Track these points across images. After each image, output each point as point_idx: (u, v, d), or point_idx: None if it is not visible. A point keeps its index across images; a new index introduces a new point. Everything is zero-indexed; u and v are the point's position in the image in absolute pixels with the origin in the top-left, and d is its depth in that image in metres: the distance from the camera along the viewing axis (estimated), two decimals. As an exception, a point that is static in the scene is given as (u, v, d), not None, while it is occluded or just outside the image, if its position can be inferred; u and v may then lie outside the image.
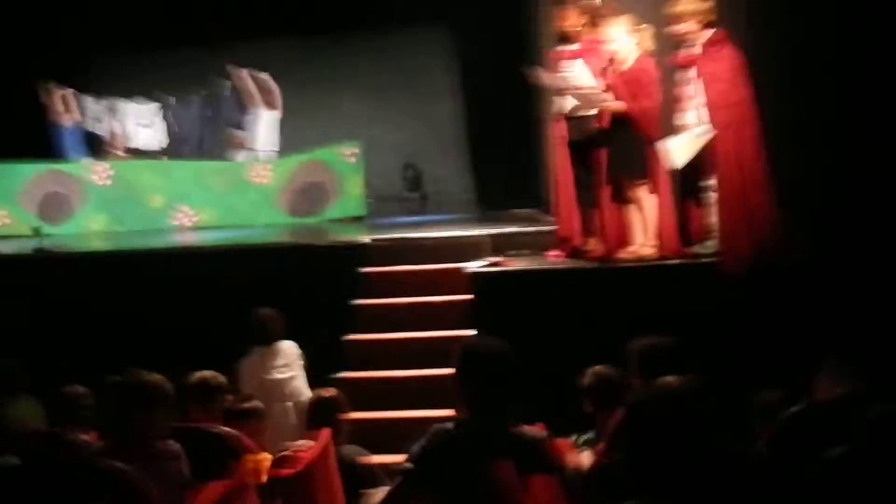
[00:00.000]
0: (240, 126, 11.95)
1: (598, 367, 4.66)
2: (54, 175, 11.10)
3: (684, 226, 6.87)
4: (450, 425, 3.33)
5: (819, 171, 6.85)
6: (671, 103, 6.83)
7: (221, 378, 5.00)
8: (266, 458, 4.65)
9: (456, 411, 3.37)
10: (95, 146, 12.13)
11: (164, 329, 7.52)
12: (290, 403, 6.02)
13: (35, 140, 11.71)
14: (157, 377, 3.96)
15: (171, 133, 12.23)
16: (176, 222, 10.85)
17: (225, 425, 4.71)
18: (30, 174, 11.04)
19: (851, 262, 6.56)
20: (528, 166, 10.05)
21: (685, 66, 6.71)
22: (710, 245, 6.68)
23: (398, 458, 3.55)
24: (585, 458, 4.28)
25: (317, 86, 13.58)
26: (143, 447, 3.81)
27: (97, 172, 11.09)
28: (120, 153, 11.95)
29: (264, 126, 11.56)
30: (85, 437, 4.22)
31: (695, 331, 5.17)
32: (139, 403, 3.84)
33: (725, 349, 6.07)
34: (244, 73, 11.69)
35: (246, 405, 5.07)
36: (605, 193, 6.95)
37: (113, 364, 4.36)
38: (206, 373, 4.98)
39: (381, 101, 13.89)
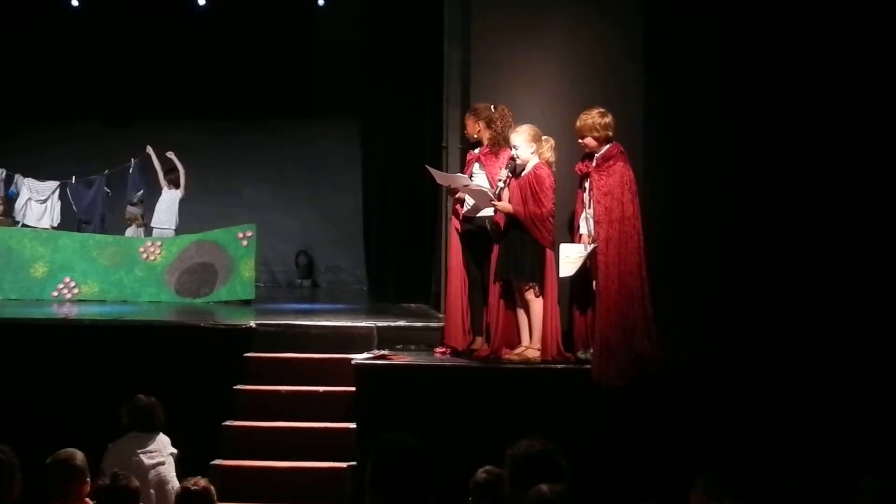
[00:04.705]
0: (134, 202, 11.79)
1: (488, 467, 4.63)
2: (-69, 238, 10.73)
3: (570, 331, 6.97)
4: None
5: (698, 285, 7.13)
6: (572, 211, 7.00)
7: (82, 458, 4.78)
8: None
9: None
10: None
11: (32, 404, 7.25)
12: (152, 491, 5.79)
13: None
14: (1, 451, 3.78)
15: (68, 213, 11.95)
16: (57, 293, 10.53)
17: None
18: None
19: (730, 375, 6.75)
20: (422, 262, 10.10)
21: (582, 176, 6.90)
22: (592, 352, 6.78)
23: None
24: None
25: (220, 168, 13.58)
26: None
27: (-23, 236, 10.75)
28: (4, 220, 11.63)
29: (164, 204, 11.41)
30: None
31: (572, 437, 5.19)
32: None
33: (601, 458, 6.12)
34: (150, 150, 11.58)
35: (125, 482, 4.83)
36: (495, 293, 7.02)
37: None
38: (68, 451, 4.75)
39: (283, 187, 13.96)
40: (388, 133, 11.30)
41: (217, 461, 6.64)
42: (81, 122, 13.68)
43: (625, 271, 6.59)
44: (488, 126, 7.24)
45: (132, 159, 11.81)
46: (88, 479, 4.76)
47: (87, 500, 4.76)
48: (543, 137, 7.01)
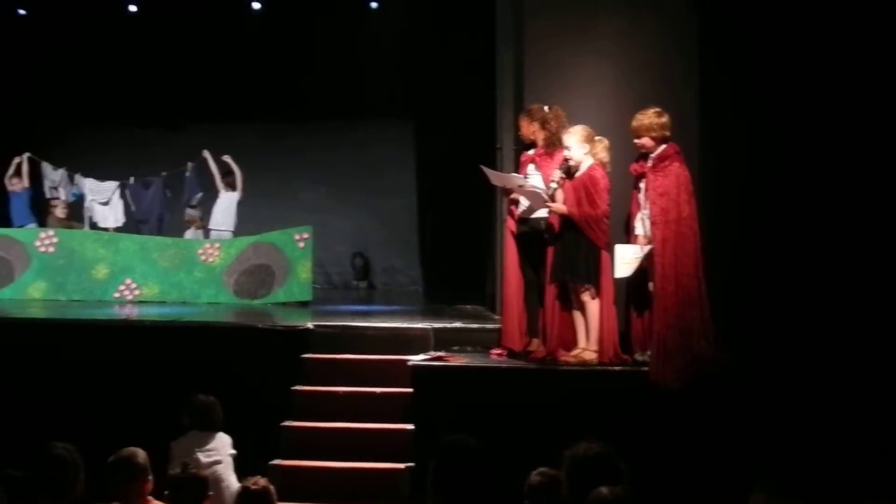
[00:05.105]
0: (194, 205, 11.94)
1: (544, 469, 4.63)
2: (-4, 240, 10.99)
3: (627, 332, 6.94)
4: None
5: (755, 288, 7.06)
6: (628, 212, 6.96)
7: (144, 457, 4.87)
8: None
9: None
10: (44, 213, 12.05)
11: (95, 403, 7.39)
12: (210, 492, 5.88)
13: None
14: (65, 449, 3.87)
15: (129, 212, 12.18)
16: (118, 295, 10.73)
17: (168, 496, 4.63)
18: (-28, 238, 10.93)
19: (787, 379, 6.67)
20: (477, 263, 10.11)
21: (638, 177, 6.86)
22: (650, 354, 6.74)
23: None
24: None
25: (275, 170, 13.70)
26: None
27: (41, 239, 10.97)
28: (69, 222, 11.86)
29: (222, 206, 11.54)
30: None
31: (629, 439, 5.17)
32: (47, 476, 3.74)
33: (659, 461, 6.07)
34: (206, 154, 11.72)
35: (194, 472, 4.93)
36: (550, 295, 7.01)
37: (39, 436, 4.27)
38: (131, 450, 4.85)
39: (337, 189, 14.04)
40: (441, 135, 11.36)
41: (276, 461, 6.71)
42: (139, 127, 13.90)
43: (682, 272, 6.53)
44: (542, 127, 7.23)
45: (189, 163, 11.98)
46: (150, 478, 4.85)
47: (150, 498, 4.85)
48: (597, 138, 6.98)
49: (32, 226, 11.73)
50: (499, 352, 7.39)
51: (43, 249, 10.90)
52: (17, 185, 11.95)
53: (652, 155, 6.73)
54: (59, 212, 11.92)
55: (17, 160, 11.98)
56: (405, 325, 8.22)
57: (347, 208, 13.98)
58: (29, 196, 12.03)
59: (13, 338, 8.11)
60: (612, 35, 7.58)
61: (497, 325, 7.72)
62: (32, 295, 10.75)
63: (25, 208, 11.97)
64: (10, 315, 9.37)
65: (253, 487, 4.70)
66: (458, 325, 8.20)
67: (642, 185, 6.81)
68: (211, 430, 6.09)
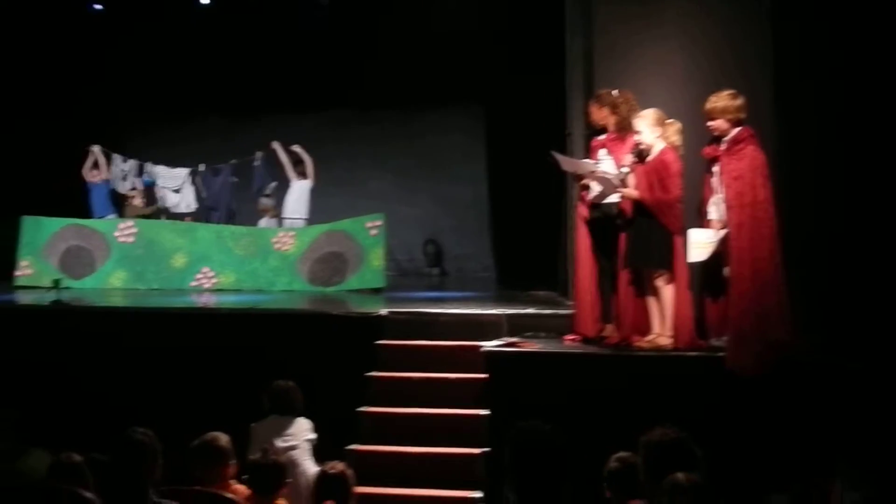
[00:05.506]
0: (268, 194, 12.10)
1: (622, 454, 4.63)
2: (79, 230, 11.28)
3: (703, 318, 6.87)
4: None
5: (834, 270, 6.91)
6: (701, 196, 6.90)
7: (227, 441, 4.99)
8: None
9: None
10: (121, 204, 12.33)
11: (175, 389, 7.56)
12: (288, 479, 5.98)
13: (73, 197, 12.06)
14: (145, 434, 3.98)
15: (199, 199, 12.41)
16: (196, 283, 10.94)
17: (247, 480, 4.77)
18: (57, 228, 11.22)
19: (867, 364, 6.54)
20: (549, 249, 10.09)
21: (711, 160, 6.78)
22: (726, 339, 6.66)
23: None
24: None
25: (344, 159, 13.81)
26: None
27: (121, 230, 11.23)
28: (144, 209, 12.12)
29: (294, 195, 11.67)
30: (88, 495, 4.21)
31: (705, 426, 5.13)
32: (128, 460, 3.86)
33: (735, 447, 6.02)
34: (276, 146, 11.86)
35: (274, 458, 5.04)
36: (624, 280, 6.98)
37: (120, 422, 4.39)
38: (213, 434, 4.97)
39: (407, 177, 14.11)
40: (511, 121, 11.34)
41: (353, 446, 6.80)
42: (209, 118, 14.12)
43: (758, 257, 6.44)
44: (613, 111, 7.19)
45: (258, 152, 12.13)
46: (233, 462, 4.96)
47: (232, 482, 4.96)
48: (669, 121, 6.92)
49: (112, 216, 12.00)
50: (572, 338, 7.38)
51: (123, 239, 11.16)
52: (97, 176, 12.23)
53: (726, 138, 6.65)
54: (138, 202, 12.19)
55: (93, 152, 12.23)
56: (478, 311, 8.26)
57: (417, 196, 14.04)
58: (108, 187, 12.31)
59: (96, 326, 8.33)
60: (681, 18, 7.54)
61: (570, 311, 7.71)
62: (113, 284, 11.02)
63: (105, 199, 12.24)
64: (93, 304, 9.60)
65: (331, 472, 4.77)
66: (531, 311, 8.21)
67: (715, 168, 6.73)
68: (290, 414, 6.19)
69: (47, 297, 9.26)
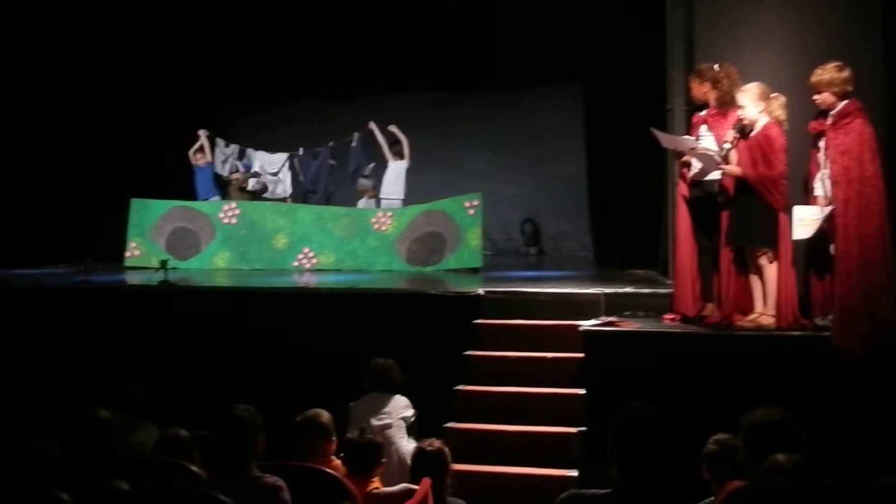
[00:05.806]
0: (366, 175, 12.22)
1: (721, 435, 4.57)
2: (185, 212, 11.58)
3: (807, 297, 6.71)
4: (592, 493, 3.33)
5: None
6: (806, 172, 6.73)
7: (328, 418, 5.09)
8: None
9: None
10: (225, 186, 12.61)
11: (276, 367, 7.72)
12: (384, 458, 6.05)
13: (180, 180, 12.40)
14: (246, 411, 4.07)
15: (297, 182, 12.61)
16: (297, 263, 11.14)
17: (343, 458, 4.88)
18: (164, 210, 11.54)
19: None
20: (648, 227, 9.97)
21: (817, 135, 6.60)
22: (832, 318, 6.50)
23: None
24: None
25: (441, 139, 13.84)
26: (247, 480, 3.91)
27: (224, 211, 11.49)
28: (245, 188, 12.39)
29: (392, 175, 11.76)
30: (195, 468, 4.34)
31: (810, 406, 5.03)
32: (231, 436, 3.97)
33: (840, 429, 5.87)
34: (372, 126, 11.95)
35: (371, 437, 5.12)
36: (725, 259, 6.85)
37: (226, 397, 4.50)
38: (316, 411, 5.07)
39: (505, 156, 14.09)
40: (610, 98, 11.20)
41: (451, 424, 6.84)
42: (305, 100, 14.28)
43: (865, 234, 6.25)
44: (714, 86, 7.05)
45: (355, 133, 12.24)
46: (334, 438, 5.06)
47: (332, 458, 5.06)
48: (773, 95, 6.74)
49: (216, 198, 12.29)
50: (671, 317, 7.28)
51: (226, 221, 11.42)
52: (201, 160, 12.55)
53: (832, 112, 6.46)
54: (238, 175, 12.46)
55: (199, 137, 12.55)
56: (576, 290, 8.20)
57: (515, 175, 14.01)
58: (212, 170, 12.63)
59: (202, 306, 8.55)
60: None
61: (669, 290, 7.61)
62: (217, 265, 11.29)
63: (209, 182, 12.56)
64: (199, 284, 9.85)
65: (429, 449, 4.82)
66: (629, 290, 8.13)
67: (822, 143, 6.54)
68: (389, 391, 6.27)
69: (155, 278, 9.53)
